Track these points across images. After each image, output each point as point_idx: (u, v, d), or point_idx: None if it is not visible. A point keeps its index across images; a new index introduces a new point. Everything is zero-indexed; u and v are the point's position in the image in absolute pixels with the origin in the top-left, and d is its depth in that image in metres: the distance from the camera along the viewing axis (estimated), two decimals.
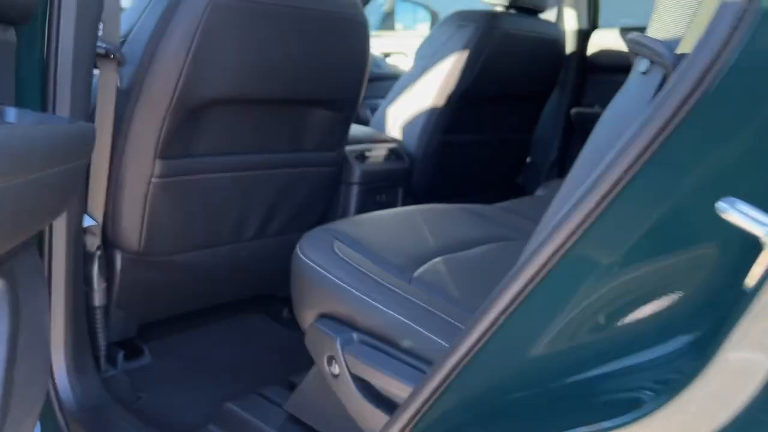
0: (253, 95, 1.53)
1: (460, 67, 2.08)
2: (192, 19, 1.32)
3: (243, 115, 1.57)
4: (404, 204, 2.20)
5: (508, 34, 2.14)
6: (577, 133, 2.72)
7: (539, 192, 1.97)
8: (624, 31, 2.55)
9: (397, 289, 1.08)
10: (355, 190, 2.02)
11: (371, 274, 1.11)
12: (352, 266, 1.11)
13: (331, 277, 1.09)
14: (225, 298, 1.90)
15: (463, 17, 2.11)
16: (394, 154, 2.15)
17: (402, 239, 1.27)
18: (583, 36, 2.63)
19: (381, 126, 2.29)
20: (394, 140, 2.23)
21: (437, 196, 2.37)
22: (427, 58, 2.16)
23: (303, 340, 1.18)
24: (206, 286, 1.79)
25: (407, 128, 2.22)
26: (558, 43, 2.39)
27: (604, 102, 2.71)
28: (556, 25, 2.38)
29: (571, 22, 2.60)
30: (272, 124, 1.65)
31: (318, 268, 1.11)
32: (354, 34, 1.65)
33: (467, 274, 1.18)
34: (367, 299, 1.05)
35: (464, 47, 2.07)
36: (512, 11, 2.22)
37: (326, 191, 1.93)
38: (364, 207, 2.04)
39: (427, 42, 2.20)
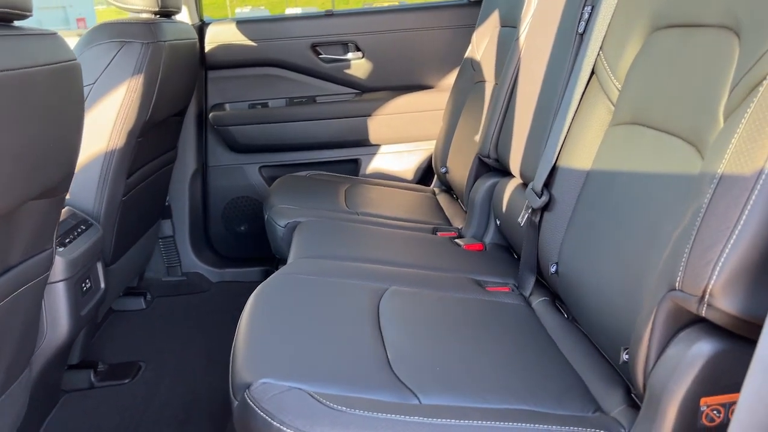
0: None
1: (138, 94, 1.64)
2: None
3: None
4: (107, 279, 1.69)
5: (172, 45, 1.78)
6: (214, 137, 2.51)
7: (281, 222, 1.78)
8: (240, 23, 2.42)
9: (423, 419, 0.87)
10: (61, 291, 1.44)
11: (390, 415, 0.86)
12: (368, 417, 0.83)
13: None
14: None
15: (119, 32, 1.65)
16: (80, 222, 1.60)
17: (331, 345, 1.02)
18: (199, 32, 2.38)
19: None
20: None
21: (121, 250, 1.89)
22: (86, 89, 1.62)
23: None
24: None
25: (75, 182, 1.66)
26: (197, 45, 2.11)
27: (229, 99, 2.60)
28: (190, 26, 2.08)
29: (184, 17, 2.31)
30: None
31: None
32: (73, 87, 1.13)
33: (422, 351, 1.04)
34: None
35: (138, 69, 1.63)
36: (159, 18, 1.84)
37: (39, 308, 1.32)
38: (75, 308, 1.48)
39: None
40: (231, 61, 2.44)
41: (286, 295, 1.22)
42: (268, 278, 1.30)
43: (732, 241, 0.75)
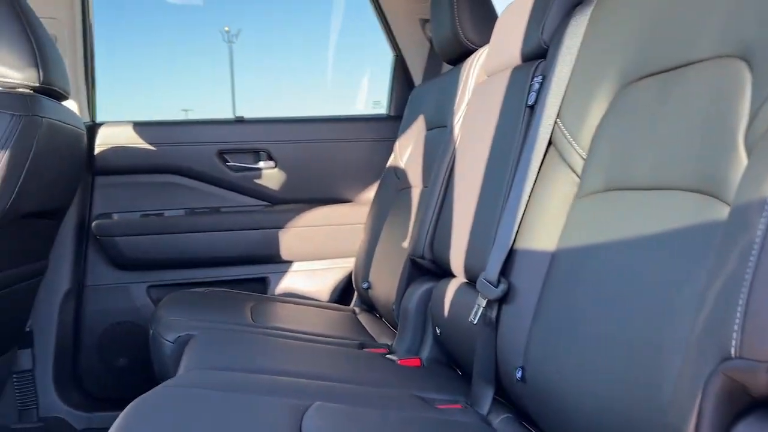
0: None
1: (1, 173, 1.33)
2: None
3: None
4: None
5: (51, 124, 1.50)
6: (96, 251, 2.15)
7: (169, 336, 1.43)
8: (138, 125, 2.18)
9: None
10: None
11: None
12: None
13: None
14: None
15: None
16: None
17: None
18: (89, 133, 2.11)
19: None
20: None
21: None
22: None
23: None
24: None
25: None
26: (83, 138, 1.84)
27: (118, 208, 2.29)
28: (79, 116, 1.82)
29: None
30: None
31: None
32: None
33: None
34: None
35: (3, 143, 1.34)
36: (41, 96, 1.57)
37: None
38: None
39: None
40: (124, 166, 2.17)
41: (172, 412, 0.89)
42: (148, 392, 0.96)
43: None
